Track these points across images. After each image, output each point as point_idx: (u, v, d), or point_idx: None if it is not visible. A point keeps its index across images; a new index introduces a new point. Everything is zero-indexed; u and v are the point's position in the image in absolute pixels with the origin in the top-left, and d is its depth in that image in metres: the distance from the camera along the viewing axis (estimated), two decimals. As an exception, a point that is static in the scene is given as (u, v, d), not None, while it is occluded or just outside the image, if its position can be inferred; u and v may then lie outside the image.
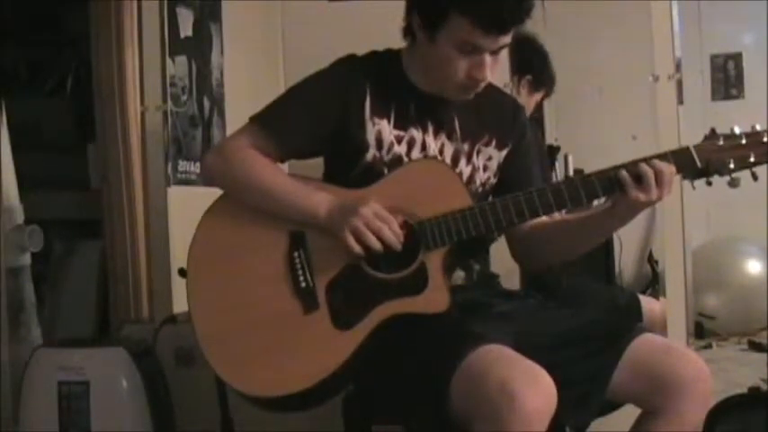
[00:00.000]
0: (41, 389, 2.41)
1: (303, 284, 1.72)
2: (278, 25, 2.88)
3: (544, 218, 1.79)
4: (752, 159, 1.68)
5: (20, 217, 2.85)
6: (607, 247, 2.99)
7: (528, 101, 2.77)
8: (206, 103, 2.98)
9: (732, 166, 1.68)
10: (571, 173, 3.25)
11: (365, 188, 1.76)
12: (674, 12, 2.51)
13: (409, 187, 1.75)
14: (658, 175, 1.65)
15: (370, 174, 1.79)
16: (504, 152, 1.90)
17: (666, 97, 2.50)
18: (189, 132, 2.89)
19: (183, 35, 2.87)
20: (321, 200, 1.74)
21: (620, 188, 1.68)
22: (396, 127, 1.82)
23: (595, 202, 1.75)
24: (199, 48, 2.95)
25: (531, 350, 1.59)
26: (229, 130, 2.96)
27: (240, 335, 1.72)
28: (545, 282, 2.45)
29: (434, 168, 1.79)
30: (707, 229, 4.96)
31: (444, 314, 1.67)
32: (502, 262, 2.03)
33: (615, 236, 2.99)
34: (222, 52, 3.05)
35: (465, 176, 1.84)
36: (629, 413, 1.73)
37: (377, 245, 1.67)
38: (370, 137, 1.80)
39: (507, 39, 1.71)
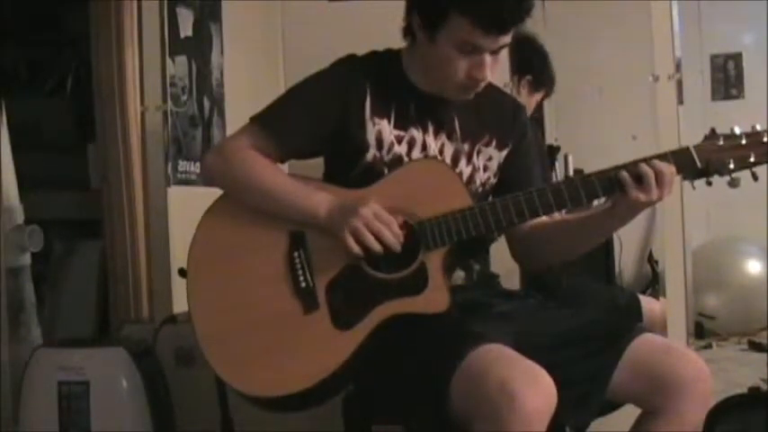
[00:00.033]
0: (41, 389, 2.41)
1: (303, 284, 1.72)
2: (278, 25, 2.88)
3: (544, 218, 1.79)
4: (752, 159, 1.68)
5: (20, 217, 2.85)
6: (607, 247, 2.99)
7: (528, 101, 2.77)
8: (206, 103, 2.98)
9: (732, 166, 1.68)
10: (571, 173, 3.25)
11: (365, 188, 1.76)
12: (674, 12, 2.51)
13: (409, 187, 1.75)
14: (658, 176, 1.65)
15: (371, 174, 1.79)
16: (505, 152, 1.90)
17: (666, 97, 2.50)
18: (189, 132, 2.89)
19: (183, 35, 2.87)
20: (321, 200, 1.74)
21: (620, 188, 1.68)
22: (396, 127, 1.82)
23: (595, 202, 1.75)
24: (199, 48, 2.95)
25: (531, 350, 1.59)
26: (229, 130, 2.96)
27: (240, 335, 1.72)
28: (545, 282, 2.45)
29: (434, 168, 1.79)
30: (707, 229, 4.96)
31: (444, 314, 1.67)
32: (502, 262, 2.03)
33: (615, 236, 2.99)
34: (222, 52, 3.05)
35: (465, 176, 1.84)
36: (629, 413, 1.73)
37: (376, 246, 1.67)
38: (371, 137, 1.80)
39: (507, 38, 1.71)
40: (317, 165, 1.90)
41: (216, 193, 1.84)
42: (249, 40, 3.17)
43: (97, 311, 3.44)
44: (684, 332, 2.52)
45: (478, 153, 1.88)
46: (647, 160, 1.67)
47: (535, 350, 1.60)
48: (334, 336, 1.68)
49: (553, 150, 3.21)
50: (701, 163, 1.68)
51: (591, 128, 3.72)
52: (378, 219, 1.67)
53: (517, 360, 1.56)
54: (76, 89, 4.05)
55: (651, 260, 3.54)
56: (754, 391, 2.34)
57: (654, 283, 3.41)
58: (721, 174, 1.69)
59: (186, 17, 2.88)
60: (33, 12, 3.99)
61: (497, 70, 1.79)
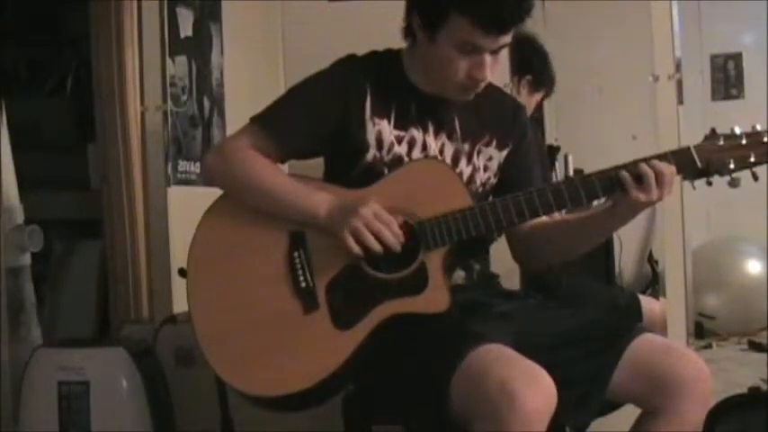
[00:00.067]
0: (41, 389, 2.41)
1: (303, 284, 1.72)
2: (278, 25, 2.88)
3: (544, 218, 1.79)
4: (752, 159, 1.68)
5: (20, 217, 2.85)
6: (607, 247, 2.99)
7: (528, 101, 2.77)
8: (206, 103, 2.98)
9: (732, 166, 1.68)
10: (571, 173, 3.25)
11: (365, 188, 1.76)
12: (674, 12, 2.51)
13: (409, 187, 1.75)
14: (659, 176, 1.65)
15: (371, 174, 1.79)
16: (505, 152, 1.90)
17: (666, 97, 2.50)
18: (189, 132, 2.89)
19: (183, 35, 2.87)
20: (321, 200, 1.74)
21: (620, 188, 1.68)
22: (396, 127, 1.82)
23: (595, 202, 1.75)
24: (199, 48, 2.95)
25: (531, 350, 1.59)
26: (229, 130, 2.96)
27: (240, 335, 1.72)
28: (545, 282, 2.44)
29: (435, 168, 1.79)
30: (707, 229, 4.96)
31: (444, 314, 1.67)
32: (502, 262, 2.03)
33: (615, 236, 2.99)
34: (222, 52, 3.05)
35: (465, 176, 1.84)
36: (629, 413, 1.73)
37: (376, 246, 1.67)
38: (371, 137, 1.80)
39: (507, 38, 1.71)
40: (317, 165, 1.90)
41: (216, 193, 1.84)
42: (249, 40, 3.17)
43: (97, 311, 3.44)
44: (684, 332, 2.52)
45: (479, 153, 1.88)
46: (647, 160, 1.67)
47: (535, 350, 1.60)
48: (334, 336, 1.68)
49: (553, 150, 3.21)
50: (701, 163, 1.68)
51: (591, 128, 3.72)
52: (378, 219, 1.67)
53: (517, 360, 1.56)
54: (76, 89, 4.05)
55: (651, 260, 3.54)
56: (754, 391, 2.34)
57: (654, 283, 3.41)
58: (721, 174, 1.69)
59: (186, 17, 2.88)
60: (33, 12, 3.99)
61: (497, 70, 1.79)
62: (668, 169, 1.66)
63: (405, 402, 1.69)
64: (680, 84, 2.50)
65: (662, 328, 2.51)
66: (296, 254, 1.74)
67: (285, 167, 1.96)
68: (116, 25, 3.03)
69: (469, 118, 1.86)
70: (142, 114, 2.91)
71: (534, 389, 1.50)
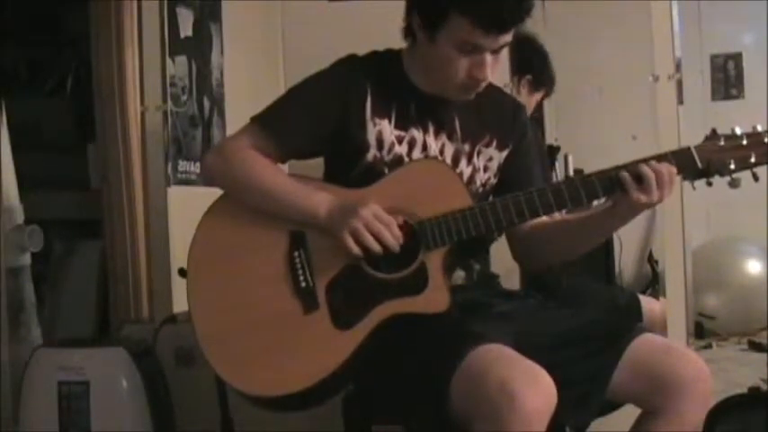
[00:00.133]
0: (41, 389, 2.41)
1: (303, 284, 1.72)
2: (278, 25, 2.88)
3: (544, 218, 1.79)
4: (752, 160, 1.68)
5: (20, 217, 2.85)
6: (607, 247, 2.99)
7: (528, 101, 2.77)
8: (206, 103, 2.98)
9: (733, 166, 1.68)
10: (571, 173, 3.25)
11: (365, 188, 1.76)
12: (674, 12, 2.51)
13: (409, 187, 1.75)
14: (659, 177, 1.65)
15: (371, 174, 1.79)
16: (505, 153, 1.90)
17: (666, 97, 2.50)
18: (189, 132, 2.89)
19: (183, 35, 2.87)
20: (321, 200, 1.74)
21: (621, 189, 1.68)
22: (396, 127, 1.82)
23: (595, 202, 1.75)
24: (199, 48, 2.95)
25: (531, 350, 1.59)
26: (229, 130, 2.96)
27: (240, 335, 1.72)
28: (545, 282, 2.44)
29: (435, 168, 1.79)
30: (707, 229, 4.96)
31: (444, 314, 1.67)
32: (502, 262, 2.03)
33: (615, 236, 2.99)
34: (222, 52, 3.05)
35: (465, 177, 1.84)
36: (629, 413, 1.73)
37: (376, 247, 1.67)
38: (371, 137, 1.80)
39: (508, 38, 1.71)
40: (317, 165, 1.90)
41: (216, 193, 1.84)
42: (249, 40, 3.18)
43: (97, 311, 3.44)
44: (684, 332, 2.52)
45: (479, 153, 1.88)
46: (647, 161, 1.67)
47: (535, 350, 1.60)
48: (334, 335, 1.68)
49: (553, 150, 3.21)
50: (701, 163, 1.67)
51: (591, 128, 3.72)
52: (377, 219, 1.67)
53: (517, 360, 1.56)
54: (76, 89, 4.05)
55: (651, 260, 3.54)
56: (754, 391, 2.34)
57: (654, 283, 3.41)
58: (722, 174, 1.69)
59: (186, 17, 2.89)
60: (33, 12, 3.99)
61: (498, 70, 1.79)
62: (669, 170, 1.66)
63: (405, 402, 1.69)
64: (680, 84, 2.50)
65: (662, 328, 2.51)
66: (296, 254, 1.74)
67: (285, 167, 1.96)
68: (116, 25, 3.03)
69: (470, 118, 1.86)
70: (142, 114, 2.91)
71: (534, 389, 1.50)
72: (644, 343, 1.69)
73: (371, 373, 1.72)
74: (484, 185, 1.88)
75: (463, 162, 1.85)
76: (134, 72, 3.01)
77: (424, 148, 1.82)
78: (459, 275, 1.85)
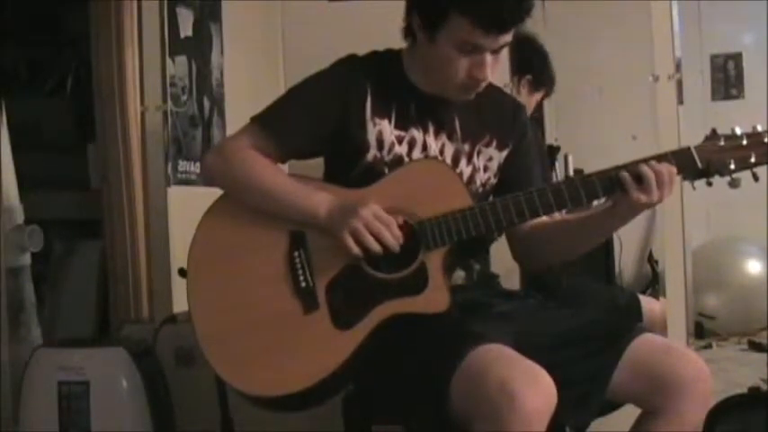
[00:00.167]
0: (41, 389, 2.41)
1: (303, 284, 1.72)
2: (278, 25, 2.88)
3: (544, 218, 1.79)
4: (752, 160, 1.67)
5: (20, 217, 2.85)
6: (607, 247, 2.99)
7: (528, 101, 2.77)
8: (206, 103, 2.98)
9: (733, 166, 1.68)
10: (571, 173, 3.25)
11: (365, 188, 1.76)
12: (674, 12, 2.51)
13: (409, 187, 1.75)
14: (659, 177, 1.65)
15: (371, 174, 1.79)
16: (505, 153, 1.90)
17: (666, 97, 2.50)
18: (189, 132, 2.89)
19: (183, 35, 2.87)
20: (321, 200, 1.74)
21: (621, 189, 1.68)
22: (396, 127, 1.82)
23: (595, 202, 1.75)
24: (199, 48, 2.95)
25: (531, 350, 1.59)
26: (229, 130, 2.96)
27: (240, 335, 1.72)
28: (545, 282, 2.44)
29: (435, 168, 1.79)
30: (707, 229, 4.96)
31: (444, 314, 1.67)
32: (502, 262, 2.03)
33: (615, 236, 2.99)
34: (222, 52, 3.05)
35: (465, 177, 1.84)
36: (629, 413, 1.73)
37: (375, 247, 1.67)
38: (371, 137, 1.80)
39: (508, 38, 1.71)
40: (317, 165, 1.90)
41: (216, 193, 1.84)
42: (249, 40, 3.18)
43: (97, 311, 3.44)
44: (684, 332, 2.52)
45: (479, 153, 1.88)
46: (647, 161, 1.67)
47: (535, 350, 1.60)
48: (334, 335, 1.68)
49: (553, 150, 3.21)
50: (701, 163, 1.67)
51: (591, 128, 3.72)
52: (377, 219, 1.67)
53: (517, 360, 1.56)
54: (76, 89, 4.05)
55: (651, 260, 3.54)
56: (754, 391, 2.34)
57: (654, 283, 3.41)
58: (722, 174, 1.69)
59: (186, 17, 2.89)
60: (33, 12, 3.99)
61: (498, 70, 1.79)
62: (669, 170, 1.66)
63: (405, 402, 1.69)
64: (680, 84, 2.50)
65: (662, 328, 2.51)
66: (296, 254, 1.74)
67: (285, 167, 1.96)
68: (116, 25, 3.03)
69: (470, 118, 1.86)
70: (142, 114, 2.91)
71: (534, 389, 1.50)
72: (644, 343, 1.69)
73: (371, 373, 1.72)
74: (484, 185, 1.88)
75: (463, 162, 1.85)
76: (134, 72, 3.01)
77: (424, 148, 1.82)
78: (459, 275, 1.85)
